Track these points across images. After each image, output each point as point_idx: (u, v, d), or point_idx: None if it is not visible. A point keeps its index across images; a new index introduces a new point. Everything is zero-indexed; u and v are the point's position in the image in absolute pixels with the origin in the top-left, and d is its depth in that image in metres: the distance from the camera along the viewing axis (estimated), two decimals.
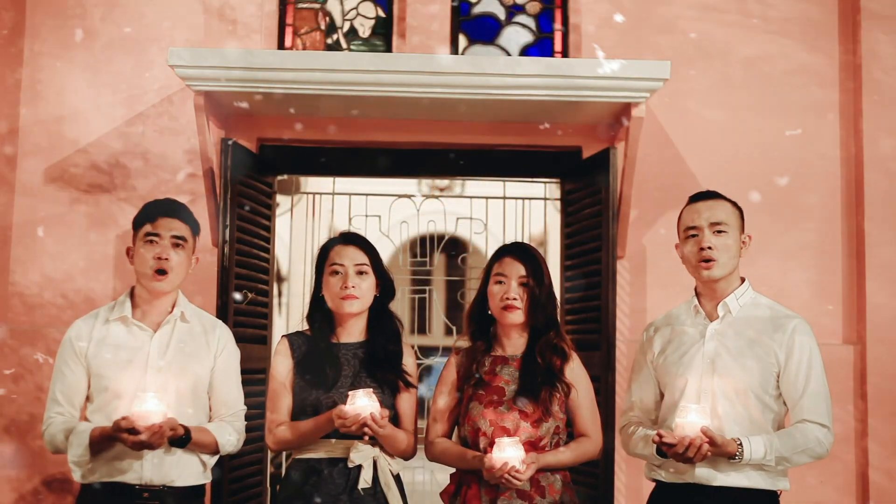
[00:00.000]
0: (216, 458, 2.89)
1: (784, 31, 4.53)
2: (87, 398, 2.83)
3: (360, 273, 2.84)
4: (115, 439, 2.64)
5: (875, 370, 4.27)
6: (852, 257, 4.41)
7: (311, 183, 4.75)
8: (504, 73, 3.99)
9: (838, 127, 4.48)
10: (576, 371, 2.86)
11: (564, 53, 4.66)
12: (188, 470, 2.79)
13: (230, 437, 2.87)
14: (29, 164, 4.39)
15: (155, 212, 2.87)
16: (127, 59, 4.44)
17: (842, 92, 4.50)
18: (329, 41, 4.71)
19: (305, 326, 2.94)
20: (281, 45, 4.62)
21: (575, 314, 4.33)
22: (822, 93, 4.50)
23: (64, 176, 4.38)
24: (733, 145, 4.43)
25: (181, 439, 2.69)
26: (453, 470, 2.84)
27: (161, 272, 2.79)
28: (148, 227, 2.83)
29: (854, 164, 4.45)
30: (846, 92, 4.49)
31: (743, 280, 2.82)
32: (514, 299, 2.81)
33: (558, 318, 2.94)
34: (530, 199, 4.73)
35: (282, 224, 4.68)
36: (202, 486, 2.87)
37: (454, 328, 4.89)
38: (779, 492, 2.72)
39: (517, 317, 2.82)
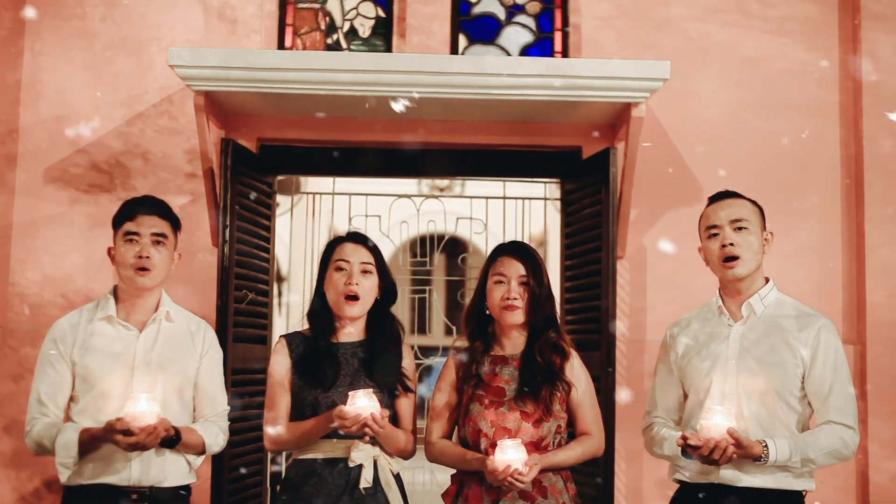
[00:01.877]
0: (202, 458, 2.89)
1: (784, 30, 4.53)
2: (71, 398, 2.80)
3: (365, 272, 2.84)
4: (105, 440, 2.63)
5: (875, 370, 4.27)
6: (852, 257, 4.41)
7: (311, 183, 4.74)
8: (504, 73, 3.98)
9: (838, 127, 4.48)
10: (576, 369, 2.85)
11: (564, 53, 4.65)
12: (175, 470, 2.80)
13: (217, 437, 2.88)
14: (29, 164, 4.38)
15: (134, 210, 2.84)
16: (127, 59, 4.44)
17: (842, 92, 4.50)
18: (329, 41, 4.71)
19: (305, 325, 2.94)
20: (281, 45, 4.62)
21: (575, 314, 4.33)
22: (822, 93, 4.50)
23: (64, 176, 4.38)
24: (733, 145, 4.43)
25: (171, 440, 2.69)
26: (454, 470, 2.84)
27: (143, 269, 2.78)
28: (128, 226, 2.81)
29: (854, 164, 4.45)
30: (846, 92, 4.49)
31: (767, 280, 2.80)
32: (515, 299, 2.80)
33: (557, 317, 2.94)
34: (530, 199, 4.72)
35: (282, 224, 4.68)
36: (188, 487, 2.88)
37: (454, 328, 4.88)
38: (804, 492, 2.70)
39: (518, 317, 2.82)
